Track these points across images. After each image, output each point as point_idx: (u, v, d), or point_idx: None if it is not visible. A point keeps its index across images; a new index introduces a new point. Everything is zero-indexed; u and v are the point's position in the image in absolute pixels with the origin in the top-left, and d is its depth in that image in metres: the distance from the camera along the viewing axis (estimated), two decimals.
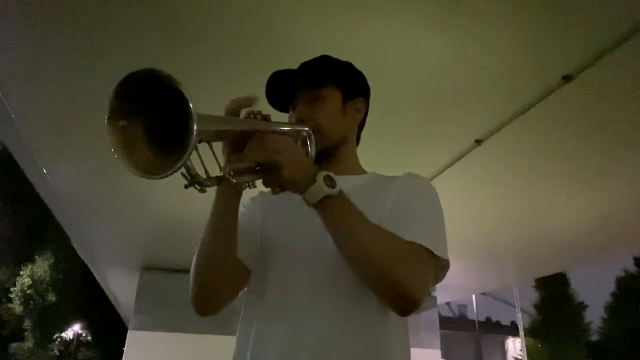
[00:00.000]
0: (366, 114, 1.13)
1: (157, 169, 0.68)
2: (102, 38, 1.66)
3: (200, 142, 0.73)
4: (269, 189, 0.84)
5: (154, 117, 0.69)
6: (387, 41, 1.66)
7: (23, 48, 1.73)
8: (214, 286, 0.93)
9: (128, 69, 0.68)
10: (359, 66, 1.14)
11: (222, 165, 0.81)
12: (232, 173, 0.79)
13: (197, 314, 0.95)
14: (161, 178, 0.67)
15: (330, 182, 0.81)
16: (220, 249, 0.91)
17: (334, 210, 0.82)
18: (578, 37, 1.58)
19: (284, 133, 0.90)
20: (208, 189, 0.79)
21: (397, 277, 0.80)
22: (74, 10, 1.55)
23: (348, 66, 1.12)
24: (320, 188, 0.80)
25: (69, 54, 1.75)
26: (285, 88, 1.05)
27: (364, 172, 1.09)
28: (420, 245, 0.85)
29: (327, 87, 1.05)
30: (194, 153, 0.70)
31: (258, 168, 0.82)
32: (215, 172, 0.81)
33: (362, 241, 0.82)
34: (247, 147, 0.82)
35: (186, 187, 0.76)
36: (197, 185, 0.76)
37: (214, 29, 1.62)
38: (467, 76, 1.81)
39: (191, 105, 0.63)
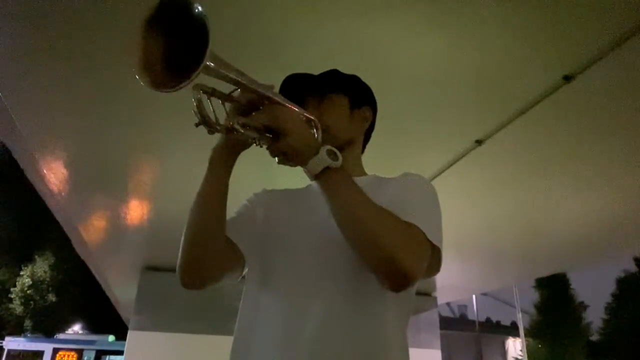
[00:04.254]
0: (372, 125, 1.16)
1: (167, 82, 0.73)
2: (102, 38, 1.66)
3: (213, 92, 0.83)
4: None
5: (176, 43, 0.76)
6: (387, 41, 1.66)
7: (23, 48, 1.73)
8: (199, 254, 0.95)
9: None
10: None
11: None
12: (240, 123, 0.83)
13: (181, 284, 0.97)
14: (167, 91, 0.73)
15: (333, 156, 0.85)
16: (207, 215, 0.93)
17: (335, 182, 0.85)
18: (578, 37, 1.58)
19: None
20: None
21: (392, 250, 0.80)
22: (75, 10, 1.55)
23: (355, 78, 1.17)
24: (322, 158, 0.84)
25: (69, 54, 1.75)
26: (295, 93, 1.08)
27: (365, 175, 1.12)
28: (416, 226, 0.86)
29: (336, 93, 1.10)
30: (207, 104, 0.81)
31: (266, 135, 0.86)
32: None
33: (360, 213, 0.83)
34: (257, 112, 0.87)
35: (196, 125, 0.82)
36: (206, 125, 0.82)
37: (213, 30, 1.62)
38: (467, 76, 1.81)
39: (208, 31, 0.72)
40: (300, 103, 1.08)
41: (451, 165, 2.47)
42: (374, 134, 1.19)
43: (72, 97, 2.02)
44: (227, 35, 1.63)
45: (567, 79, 1.75)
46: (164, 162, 2.55)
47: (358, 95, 1.13)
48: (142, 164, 2.59)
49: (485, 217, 3.25)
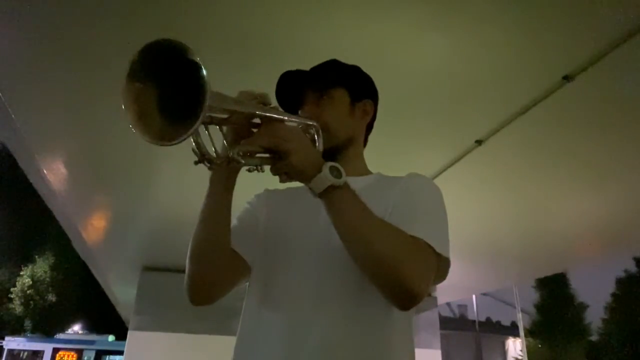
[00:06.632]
0: (374, 117, 1.14)
1: (168, 135, 0.69)
2: (101, 39, 1.66)
3: (210, 121, 0.78)
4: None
5: (168, 87, 0.71)
6: (387, 41, 1.66)
7: (23, 48, 1.73)
8: (206, 273, 0.94)
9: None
10: (358, 65, 1.14)
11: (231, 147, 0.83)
12: (240, 153, 0.81)
13: (190, 302, 0.96)
14: (171, 144, 0.69)
15: (336, 173, 0.83)
16: (212, 233, 0.92)
17: (339, 200, 0.83)
18: (578, 37, 1.58)
19: (293, 123, 0.92)
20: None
21: (398, 269, 0.80)
22: (74, 10, 1.55)
23: (356, 69, 1.14)
24: (325, 177, 0.81)
25: (69, 54, 1.75)
26: (293, 89, 1.06)
27: (369, 173, 1.10)
28: (423, 241, 0.85)
29: (335, 87, 1.07)
30: (205, 133, 0.76)
31: (267, 155, 0.84)
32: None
33: (365, 232, 0.82)
34: (256, 133, 0.84)
35: (196, 163, 0.79)
36: (206, 162, 0.79)
37: (212, 30, 1.62)
38: (467, 76, 1.81)
39: (204, 73, 0.66)
40: (299, 100, 1.06)
41: (451, 165, 2.47)
42: (374, 134, 1.18)
43: (72, 97, 2.02)
44: (226, 31, 1.63)
45: (567, 79, 1.75)
46: (164, 162, 2.55)
47: (358, 87, 1.10)
48: (142, 163, 2.59)
49: (485, 217, 3.25)
